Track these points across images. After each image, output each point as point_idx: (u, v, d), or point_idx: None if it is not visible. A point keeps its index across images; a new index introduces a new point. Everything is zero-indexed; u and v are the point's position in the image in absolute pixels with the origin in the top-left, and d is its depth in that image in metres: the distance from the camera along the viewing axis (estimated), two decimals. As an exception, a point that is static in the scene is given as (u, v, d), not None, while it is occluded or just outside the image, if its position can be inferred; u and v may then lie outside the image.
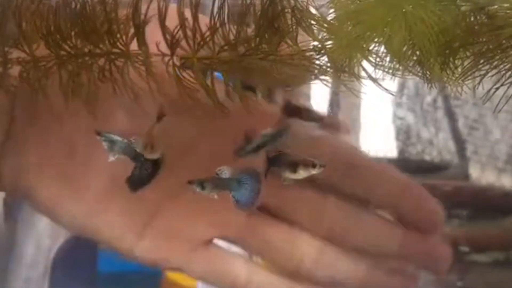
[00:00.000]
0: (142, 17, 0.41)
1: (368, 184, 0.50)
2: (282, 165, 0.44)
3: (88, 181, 0.47)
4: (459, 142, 1.79)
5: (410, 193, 0.50)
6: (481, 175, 1.76)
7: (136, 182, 0.44)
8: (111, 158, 0.44)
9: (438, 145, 1.74)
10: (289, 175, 0.44)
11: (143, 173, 0.44)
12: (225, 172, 0.44)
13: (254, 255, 0.51)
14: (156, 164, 0.45)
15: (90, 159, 0.47)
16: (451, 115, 1.79)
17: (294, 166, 0.44)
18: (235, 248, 0.51)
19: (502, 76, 0.35)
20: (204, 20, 0.40)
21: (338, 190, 0.50)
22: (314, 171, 0.44)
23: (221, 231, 0.49)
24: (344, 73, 0.39)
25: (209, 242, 0.49)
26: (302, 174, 0.44)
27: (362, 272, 0.50)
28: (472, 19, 0.36)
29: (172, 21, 0.41)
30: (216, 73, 0.42)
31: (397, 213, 0.50)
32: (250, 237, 0.50)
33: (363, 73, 0.39)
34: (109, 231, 0.47)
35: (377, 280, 0.51)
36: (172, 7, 0.41)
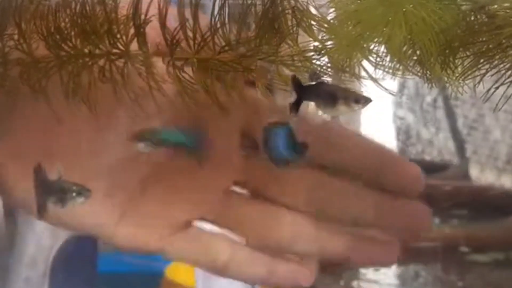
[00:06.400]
0: (142, 17, 0.41)
1: (345, 155, 0.49)
2: (318, 97, 0.40)
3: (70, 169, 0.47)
4: (459, 142, 1.79)
5: (389, 161, 0.50)
6: (481, 175, 1.76)
7: None
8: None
9: (438, 145, 1.74)
10: (326, 110, 0.40)
11: None
12: None
13: (232, 233, 0.50)
14: None
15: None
16: (450, 115, 1.79)
17: (333, 100, 0.39)
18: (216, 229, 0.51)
19: (502, 76, 0.35)
20: (205, 20, 0.40)
21: (315, 162, 0.50)
22: (356, 108, 0.40)
23: (199, 211, 0.49)
24: (344, 73, 0.39)
25: (188, 223, 0.50)
26: (342, 110, 0.40)
27: (344, 244, 0.50)
28: (472, 18, 0.36)
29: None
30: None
31: (376, 181, 0.50)
32: (228, 215, 0.50)
33: (363, 73, 0.39)
34: (89, 218, 0.47)
35: (359, 251, 0.51)
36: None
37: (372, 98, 0.40)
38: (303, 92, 0.40)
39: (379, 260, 0.52)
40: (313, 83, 0.40)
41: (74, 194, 0.42)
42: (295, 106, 0.40)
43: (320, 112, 0.40)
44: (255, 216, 0.50)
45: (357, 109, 0.40)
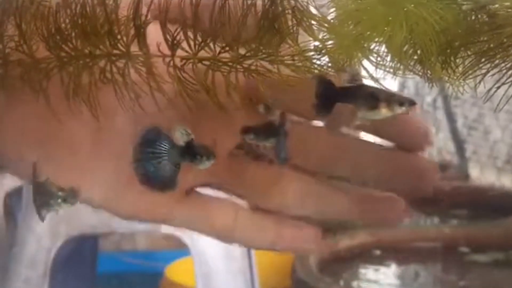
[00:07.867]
0: (143, 18, 0.41)
1: None
2: (357, 99, 0.38)
3: (74, 143, 0.47)
4: (458, 142, 1.79)
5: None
6: (481, 175, 1.76)
7: None
8: None
9: (438, 145, 1.74)
10: (367, 114, 0.39)
11: None
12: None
13: (237, 198, 0.50)
14: None
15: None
16: (450, 116, 1.79)
17: (374, 102, 0.38)
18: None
19: (503, 75, 0.35)
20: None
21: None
22: (399, 111, 0.38)
23: (202, 177, 0.49)
24: (345, 73, 0.39)
25: (192, 190, 0.49)
26: (384, 113, 0.38)
27: (348, 203, 0.50)
28: (473, 18, 0.36)
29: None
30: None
31: (382, 136, 0.49)
32: (232, 180, 0.49)
33: (364, 73, 0.39)
34: (93, 189, 0.47)
35: (365, 211, 0.50)
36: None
37: (416, 101, 0.39)
38: (339, 94, 0.39)
39: (384, 218, 0.51)
40: (352, 85, 0.39)
41: (59, 200, 0.42)
42: (326, 107, 0.39)
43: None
44: (259, 179, 0.49)
45: (401, 112, 0.38)
